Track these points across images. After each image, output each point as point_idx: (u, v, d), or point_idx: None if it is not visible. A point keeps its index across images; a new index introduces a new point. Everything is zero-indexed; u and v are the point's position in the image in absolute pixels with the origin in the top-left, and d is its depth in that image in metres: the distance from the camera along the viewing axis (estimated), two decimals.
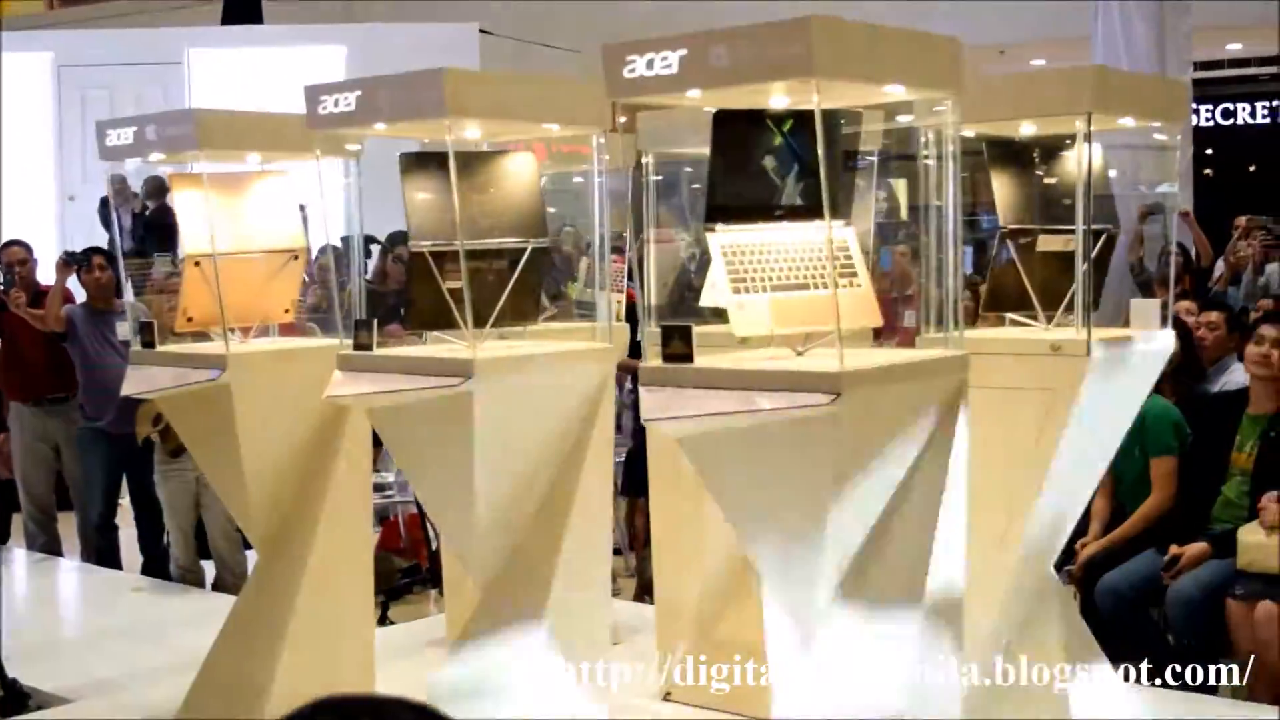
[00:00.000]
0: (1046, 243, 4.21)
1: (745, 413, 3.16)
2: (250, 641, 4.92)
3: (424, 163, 4.20)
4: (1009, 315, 4.29)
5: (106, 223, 11.08)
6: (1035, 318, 4.18)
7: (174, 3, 17.61)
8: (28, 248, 8.21)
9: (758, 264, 3.45)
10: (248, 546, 6.81)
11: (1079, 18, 10.19)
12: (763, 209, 3.51)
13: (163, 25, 14.91)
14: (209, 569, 7.36)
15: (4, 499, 8.60)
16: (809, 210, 3.46)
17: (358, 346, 4.17)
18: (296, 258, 4.98)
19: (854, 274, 3.53)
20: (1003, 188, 4.22)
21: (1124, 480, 5.89)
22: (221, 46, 12.90)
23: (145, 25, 15.35)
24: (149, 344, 4.76)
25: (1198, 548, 5.41)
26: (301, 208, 6.23)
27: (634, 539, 7.78)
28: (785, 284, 3.45)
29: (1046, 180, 4.30)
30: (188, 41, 12.76)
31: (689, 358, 3.35)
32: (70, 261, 7.68)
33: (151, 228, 9.90)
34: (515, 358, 4.07)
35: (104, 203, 11.40)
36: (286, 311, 5.00)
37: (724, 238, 3.46)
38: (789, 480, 3.28)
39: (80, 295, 7.83)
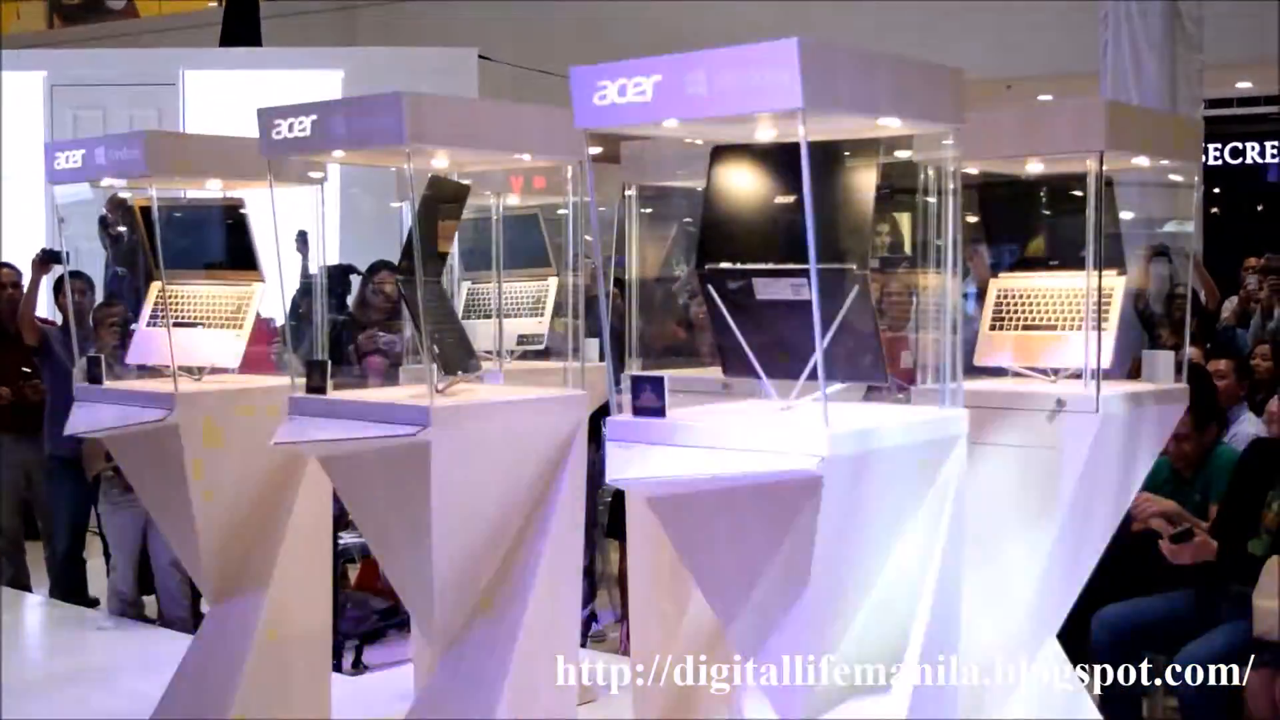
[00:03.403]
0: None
1: (716, 476, 2.86)
2: (200, 694, 4.65)
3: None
4: (1011, 366, 4.02)
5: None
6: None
7: (172, 23, 17.39)
8: (17, 271, 7.97)
9: None
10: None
11: (1088, 54, 9.91)
12: None
13: (160, 46, 14.65)
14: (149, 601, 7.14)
15: None
16: None
17: (311, 389, 3.88)
18: None
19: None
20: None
21: None
22: (218, 69, 12.60)
23: (143, 45, 15.09)
24: (95, 379, 4.48)
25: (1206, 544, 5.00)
26: (302, 234, 5.95)
27: (622, 585, 7.45)
28: None
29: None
30: (183, 63, 12.46)
31: (661, 412, 3.05)
32: (47, 259, 7.34)
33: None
34: (476, 405, 3.77)
35: (102, 222, 11.09)
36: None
37: None
38: (767, 549, 2.97)
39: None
